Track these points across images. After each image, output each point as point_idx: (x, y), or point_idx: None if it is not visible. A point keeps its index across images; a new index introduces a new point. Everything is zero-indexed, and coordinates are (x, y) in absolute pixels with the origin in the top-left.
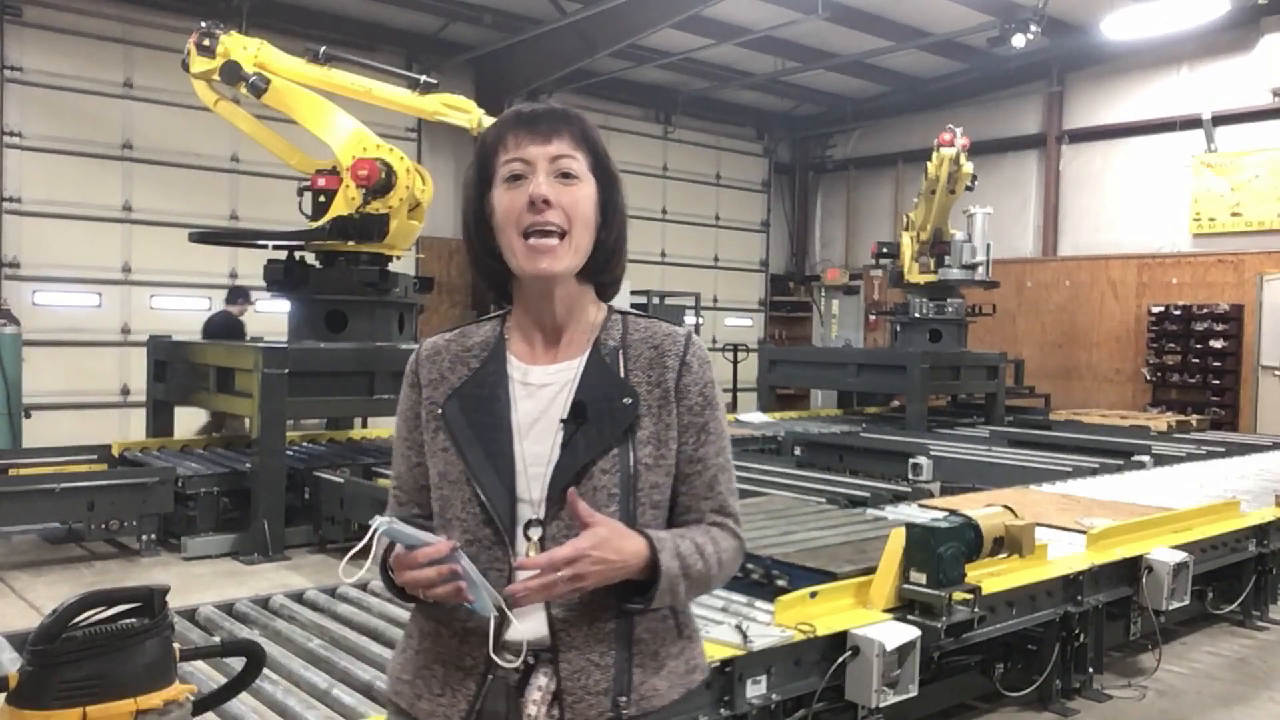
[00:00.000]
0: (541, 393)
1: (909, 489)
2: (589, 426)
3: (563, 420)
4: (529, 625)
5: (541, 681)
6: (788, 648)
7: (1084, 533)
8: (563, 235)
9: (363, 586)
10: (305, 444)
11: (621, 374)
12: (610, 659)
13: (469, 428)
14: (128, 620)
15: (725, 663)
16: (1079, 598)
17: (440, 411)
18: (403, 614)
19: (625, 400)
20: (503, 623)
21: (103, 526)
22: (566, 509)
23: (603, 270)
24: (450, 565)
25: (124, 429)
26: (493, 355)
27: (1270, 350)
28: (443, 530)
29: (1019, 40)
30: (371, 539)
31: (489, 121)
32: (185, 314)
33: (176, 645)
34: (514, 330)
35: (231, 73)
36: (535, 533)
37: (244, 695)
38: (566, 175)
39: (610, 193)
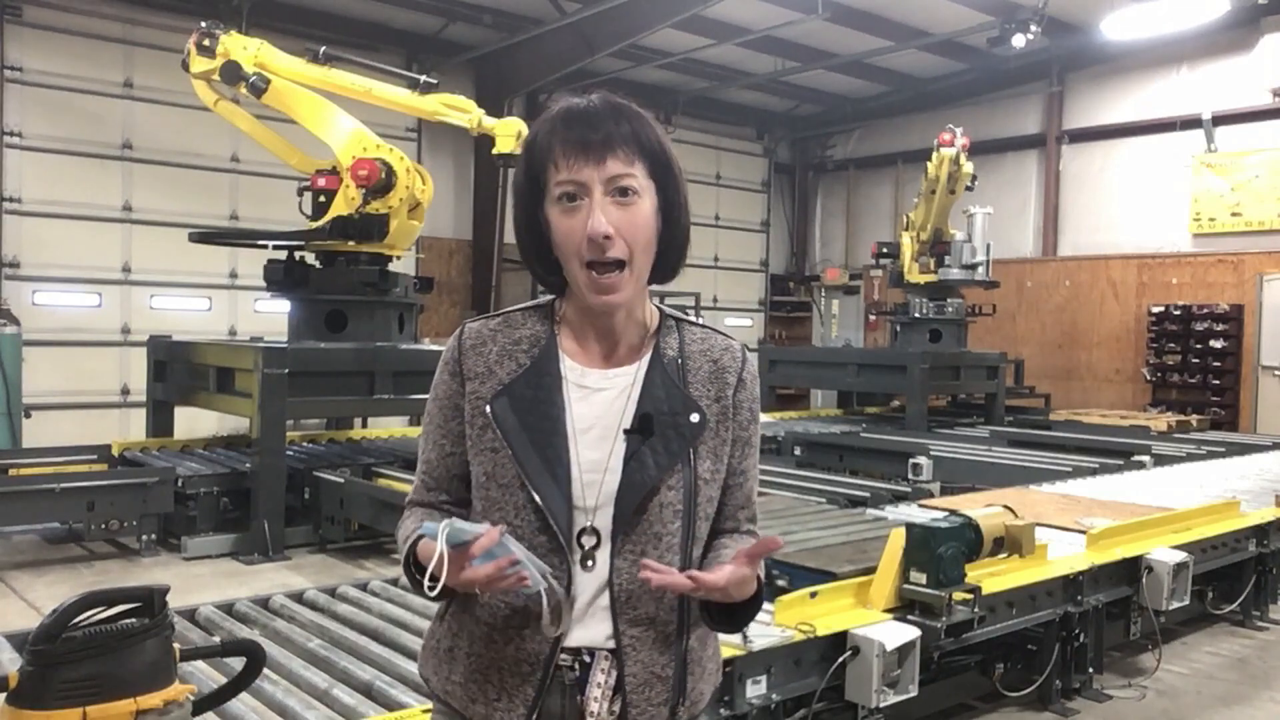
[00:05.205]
0: (597, 397)
1: (909, 489)
2: (655, 440)
3: (626, 431)
4: (593, 632)
5: (600, 679)
6: (788, 648)
7: (1084, 533)
8: (624, 265)
9: (363, 586)
10: (305, 444)
11: (683, 387)
12: (670, 670)
13: (522, 430)
14: (128, 620)
15: (725, 662)
16: (1079, 598)
17: (489, 409)
18: (402, 614)
19: (693, 417)
20: (554, 595)
21: (103, 526)
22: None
23: (666, 269)
24: (509, 557)
25: (124, 429)
26: (545, 353)
27: (1270, 350)
28: None
29: (1019, 40)
30: (439, 546)
31: (489, 122)
32: (185, 314)
33: (176, 645)
34: (565, 326)
35: (231, 73)
36: (589, 540)
37: (244, 695)
38: (624, 192)
39: (670, 191)
